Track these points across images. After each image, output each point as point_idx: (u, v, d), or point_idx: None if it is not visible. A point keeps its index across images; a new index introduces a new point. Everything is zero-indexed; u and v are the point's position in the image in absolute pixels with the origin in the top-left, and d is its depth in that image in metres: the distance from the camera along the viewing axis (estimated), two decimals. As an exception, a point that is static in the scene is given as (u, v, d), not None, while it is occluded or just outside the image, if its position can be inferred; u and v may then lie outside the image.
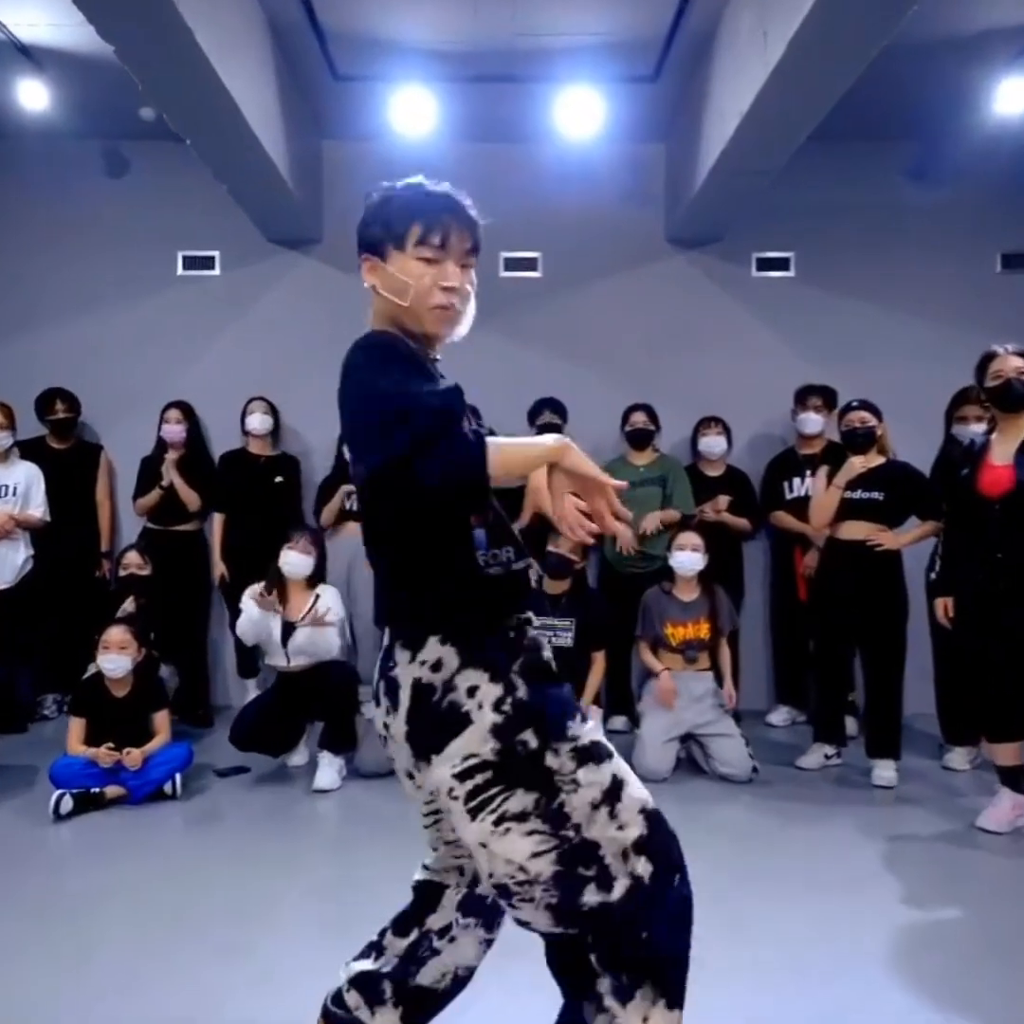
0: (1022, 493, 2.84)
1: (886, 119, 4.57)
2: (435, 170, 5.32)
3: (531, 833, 1.28)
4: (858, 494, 3.55)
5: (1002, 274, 4.91)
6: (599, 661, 3.63)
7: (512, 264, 4.87)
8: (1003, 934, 2.26)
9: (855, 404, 3.64)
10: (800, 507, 4.20)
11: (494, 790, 1.28)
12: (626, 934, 1.28)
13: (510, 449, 1.31)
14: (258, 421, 4.55)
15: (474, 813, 1.28)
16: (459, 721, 1.30)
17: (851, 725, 4.04)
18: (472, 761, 1.29)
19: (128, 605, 3.89)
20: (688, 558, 3.67)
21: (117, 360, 4.83)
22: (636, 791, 1.35)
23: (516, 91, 4.24)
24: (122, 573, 4.01)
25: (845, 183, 4.85)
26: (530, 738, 1.30)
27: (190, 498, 4.46)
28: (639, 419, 4.41)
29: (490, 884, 1.32)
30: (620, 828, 1.30)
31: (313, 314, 4.91)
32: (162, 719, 3.35)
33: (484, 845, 1.28)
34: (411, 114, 4.20)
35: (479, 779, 1.29)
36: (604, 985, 1.29)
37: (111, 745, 3.14)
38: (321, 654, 3.50)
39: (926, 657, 3.88)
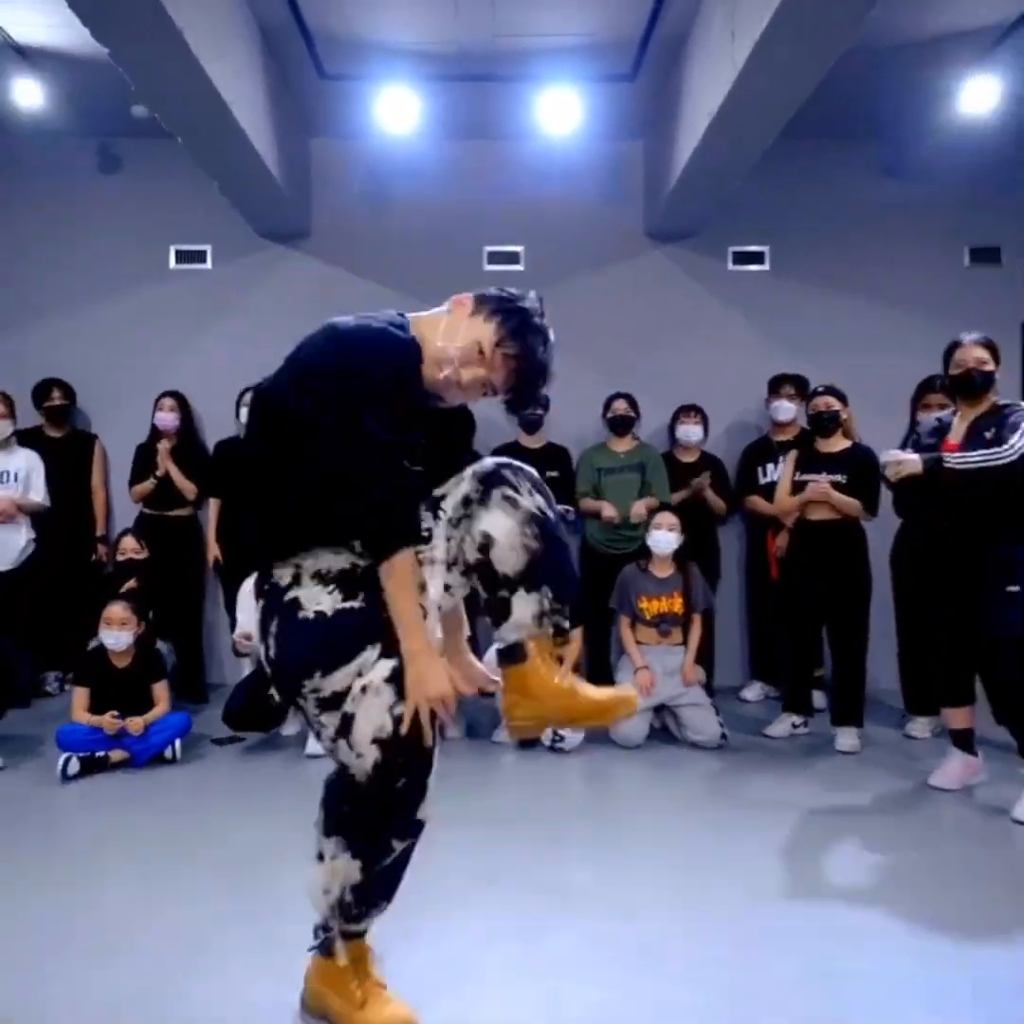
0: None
1: (857, 117, 4.74)
2: (419, 167, 5.53)
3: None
4: (823, 476, 3.74)
5: (970, 268, 5.10)
6: (575, 638, 3.80)
7: (495, 257, 5.03)
8: (936, 868, 2.45)
9: (821, 389, 3.83)
10: (773, 492, 4.38)
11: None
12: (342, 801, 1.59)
13: (403, 597, 1.55)
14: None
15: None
16: None
17: (819, 700, 4.22)
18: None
19: (131, 587, 4.05)
20: (664, 537, 3.85)
21: (111, 351, 4.99)
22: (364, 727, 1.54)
23: (498, 90, 4.40)
24: (119, 558, 4.17)
25: (818, 179, 5.03)
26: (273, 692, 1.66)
27: (187, 487, 4.62)
28: (620, 406, 4.58)
29: None
30: (358, 757, 1.54)
31: (303, 305, 5.04)
32: (161, 689, 3.52)
33: None
34: (396, 112, 4.36)
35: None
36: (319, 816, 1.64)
37: (115, 713, 3.30)
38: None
39: (894, 635, 4.07)
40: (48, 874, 2.41)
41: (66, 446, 4.76)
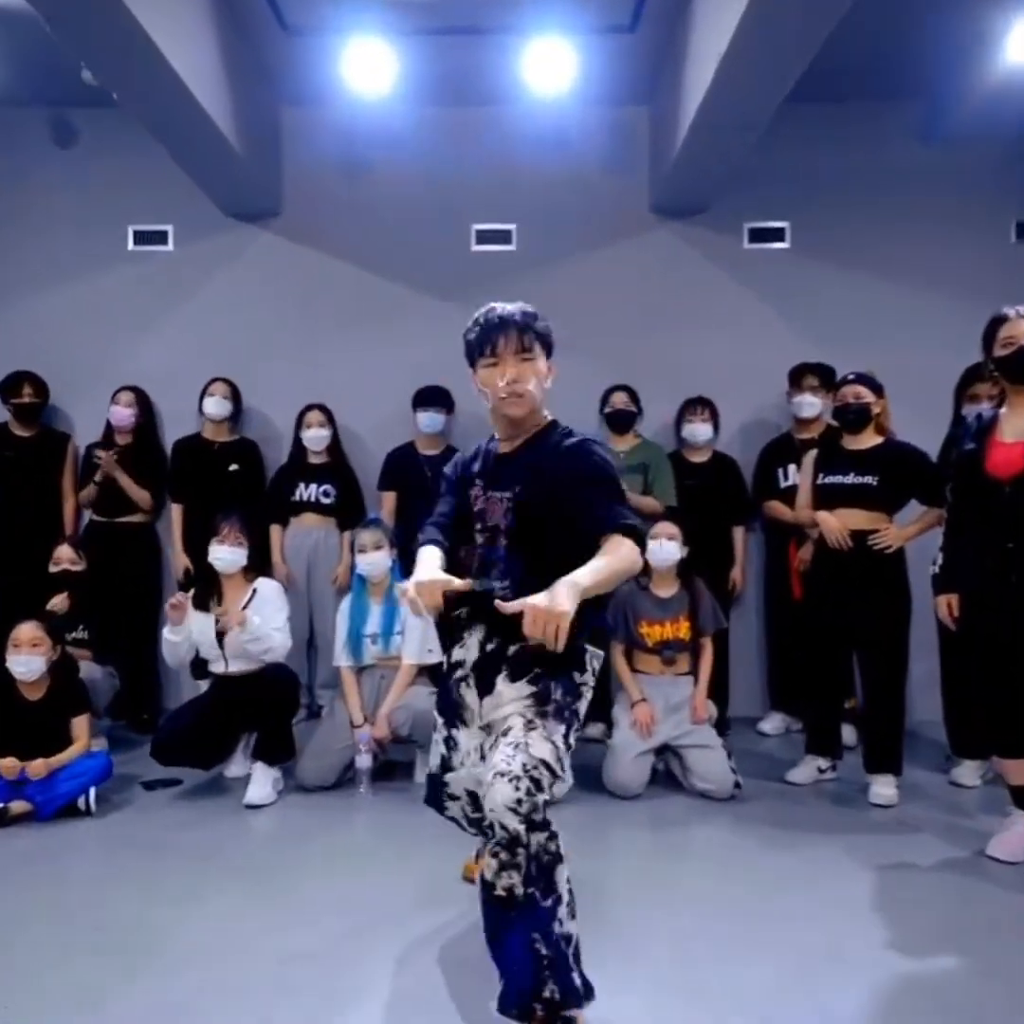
0: (1038, 474, 2.48)
1: (890, 75, 4.20)
2: (398, 137, 4.92)
3: None
4: (850, 479, 3.19)
5: (1018, 244, 4.53)
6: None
7: (484, 237, 4.53)
8: (1008, 985, 1.90)
9: (851, 378, 3.27)
10: (795, 496, 3.85)
11: None
12: None
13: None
14: (214, 405, 4.25)
15: None
16: None
17: (849, 734, 3.68)
18: None
19: (59, 602, 3.59)
20: (663, 549, 3.32)
21: (64, 340, 4.54)
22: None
23: (480, 44, 3.90)
24: (53, 569, 3.71)
25: (845, 147, 4.48)
26: None
27: (141, 497, 4.19)
28: (620, 400, 4.07)
29: None
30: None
31: (275, 290, 4.62)
32: (81, 725, 3.03)
33: None
34: (369, 70, 3.88)
35: None
36: None
37: (13, 759, 2.82)
38: (258, 655, 3.18)
39: (935, 658, 3.53)
40: None
41: (36, 446, 4.30)
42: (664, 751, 3.29)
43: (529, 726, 1.67)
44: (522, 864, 1.57)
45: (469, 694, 1.86)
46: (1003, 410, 2.67)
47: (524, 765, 1.60)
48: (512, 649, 1.77)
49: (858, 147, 4.48)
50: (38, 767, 2.82)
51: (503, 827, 1.56)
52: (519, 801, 1.56)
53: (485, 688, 1.81)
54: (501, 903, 1.59)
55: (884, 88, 4.32)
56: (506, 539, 1.81)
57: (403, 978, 1.93)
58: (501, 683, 1.77)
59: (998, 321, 2.62)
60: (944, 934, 2.16)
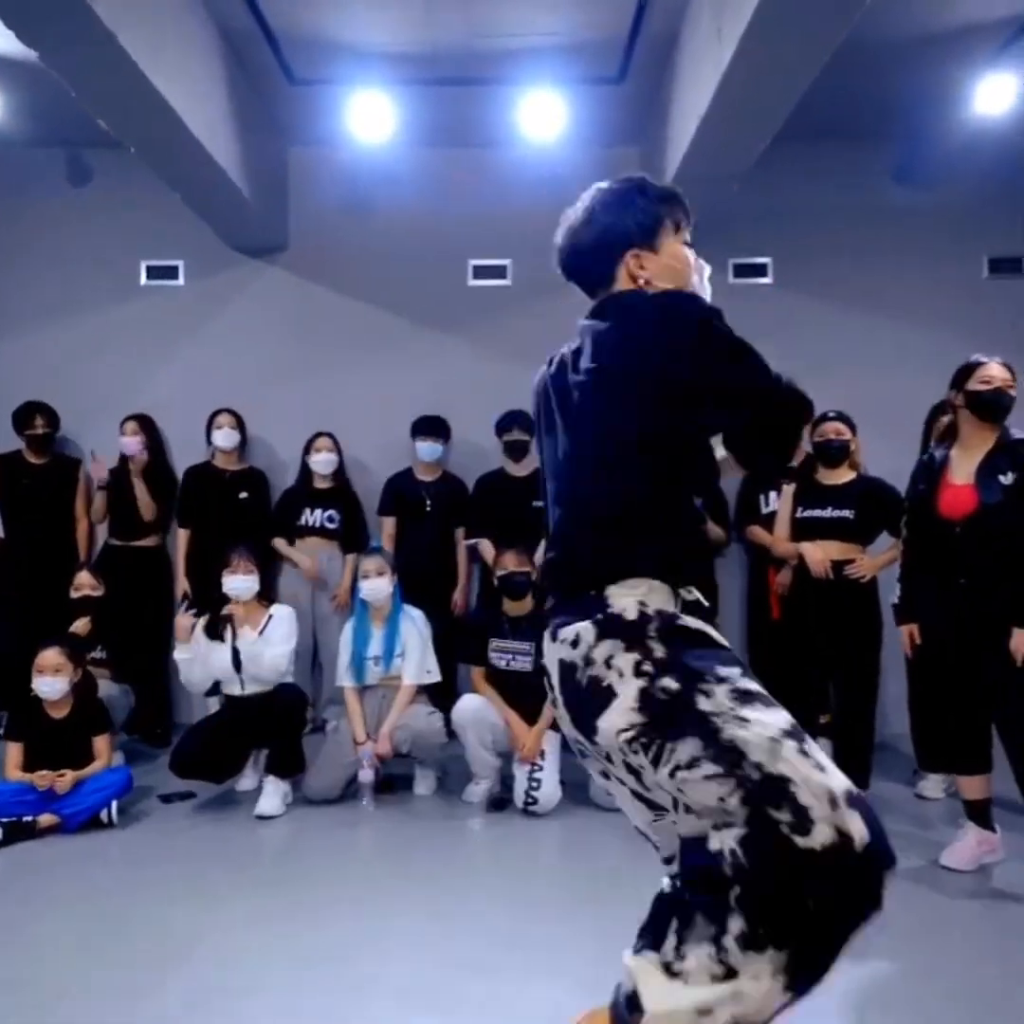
0: (985, 516, 2.68)
1: (867, 118, 4.42)
2: (398, 178, 5.20)
3: (709, 778, 1.18)
4: (828, 512, 3.41)
5: (990, 279, 4.75)
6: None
7: (481, 272, 4.75)
8: (947, 983, 2.11)
9: (832, 415, 3.50)
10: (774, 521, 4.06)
11: (655, 741, 1.25)
12: (794, 888, 1.12)
13: None
14: (224, 437, 4.46)
15: (654, 764, 1.25)
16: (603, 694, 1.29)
17: (823, 747, 3.89)
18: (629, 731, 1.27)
19: (81, 626, 3.81)
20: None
21: (79, 372, 4.76)
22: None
23: (476, 94, 4.13)
24: (74, 595, 3.93)
25: (826, 185, 4.70)
26: (671, 682, 1.26)
27: (147, 505, 4.36)
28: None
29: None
30: (819, 769, 1.15)
31: (280, 323, 4.83)
32: (102, 743, 3.26)
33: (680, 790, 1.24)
34: (371, 118, 4.10)
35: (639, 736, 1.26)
36: (734, 924, 1.15)
37: (45, 772, 3.05)
38: (269, 674, 3.41)
39: (905, 678, 3.74)
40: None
41: (48, 473, 4.53)
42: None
43: None
44: None
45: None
46: (954, 451, 2.86)
47: None
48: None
49: (837, 187, 4.69)
50: (67, 781, 3.04)
51: None
52: None
53: None
54: None
55: (863, 130, 4.53)
56: None
57: (411, 973, 2.14)
58: None
59: (977, 364, 2.75)
60: (889, 934, 2.38)
